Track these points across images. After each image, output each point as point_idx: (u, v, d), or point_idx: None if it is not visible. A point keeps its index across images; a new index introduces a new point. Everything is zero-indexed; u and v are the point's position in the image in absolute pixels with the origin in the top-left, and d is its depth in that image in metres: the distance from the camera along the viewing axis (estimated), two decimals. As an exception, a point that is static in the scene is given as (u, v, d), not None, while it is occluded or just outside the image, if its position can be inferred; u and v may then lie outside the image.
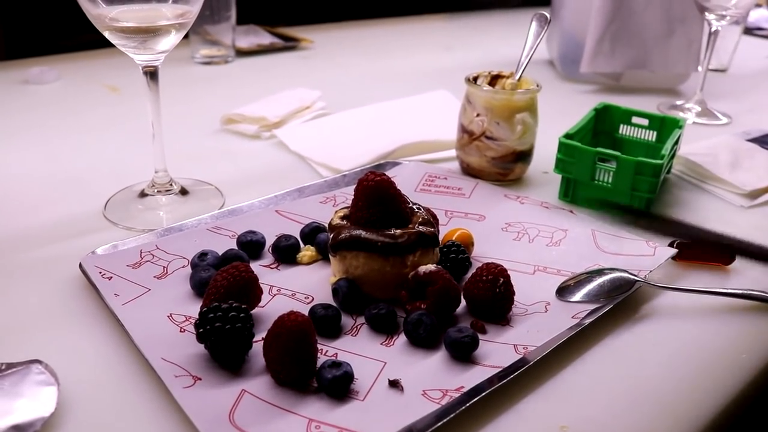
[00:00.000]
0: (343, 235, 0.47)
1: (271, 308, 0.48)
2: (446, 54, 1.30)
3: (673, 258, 0.54)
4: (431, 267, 0.46)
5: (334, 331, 0.45)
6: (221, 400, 0.38)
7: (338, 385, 0.39)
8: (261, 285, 0.47)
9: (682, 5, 0.98)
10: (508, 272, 0.47)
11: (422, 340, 0.44)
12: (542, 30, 0.68)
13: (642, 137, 0.74)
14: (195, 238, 0.55)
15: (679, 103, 0.99)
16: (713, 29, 0.92)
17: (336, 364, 0.40)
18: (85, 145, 0.79)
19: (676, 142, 0.69)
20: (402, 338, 0.45)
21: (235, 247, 0.54)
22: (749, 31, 1.50)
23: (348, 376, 0.40)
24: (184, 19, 0.55)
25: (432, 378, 0.41)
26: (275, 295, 0.49)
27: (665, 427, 0.39)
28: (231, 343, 0.41)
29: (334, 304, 0.46)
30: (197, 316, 0.42)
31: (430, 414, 0.37)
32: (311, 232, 0.55)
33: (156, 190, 0.64)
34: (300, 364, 0.40)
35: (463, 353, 0.42)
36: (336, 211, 0.51)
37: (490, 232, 0.58)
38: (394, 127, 0.83)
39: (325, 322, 0.45)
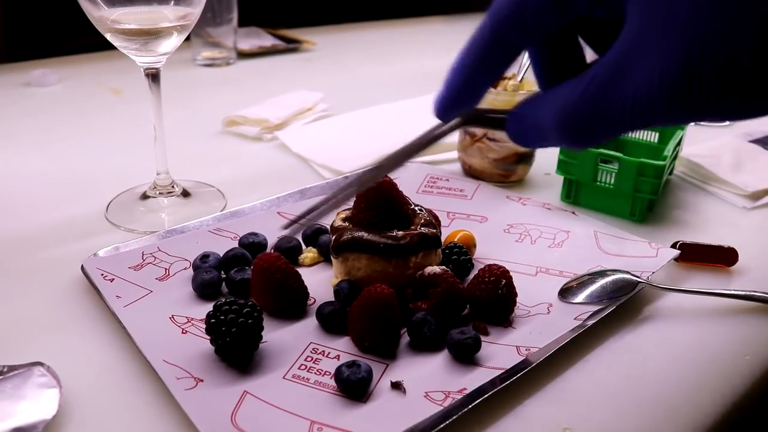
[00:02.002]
0: (345, 236, 0.47)
1: (273, 310, 0.48)
2: (447, 55, 1.30)
3: (676, 259, 0.54)
4: (437, 269, 0.46)
5: (342, 327, 0.45)
6: (223, 402, 0.38)
7: (358, 387, 0.39)
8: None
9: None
10: (511, 274, 0.47)
11: (426, 340, 0.44)
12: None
13: (644, 138, 0.74)
14: (197, 239, 0.55)
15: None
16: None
17: (355, 365, 0.40)
18: (87, 148, 0.79)
19: (678, 144, 0.69)
20: (404, 339, 0.45)
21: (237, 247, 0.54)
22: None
23: (367, 380, 0.40)
24: (186, 21, 0.55)
25: (434, 380, 0.41)
26: (277, 296, 0.49)
27: (668, 429, 0.39)
28: (243, 338, 0.41)
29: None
30: (202, 316, 0.42)
31: (433, 416, 0.37)
32: (313, 234, 0.55)
33: (158, 192, 0.64)
34: (385, 332, 0.43)
35: (466, 355, 0.42)
36: (338, 213, 0.51)
37: (492, 234, 0.58)
38: (395, 129, 0.83)
39: (332, 318, 0.45)
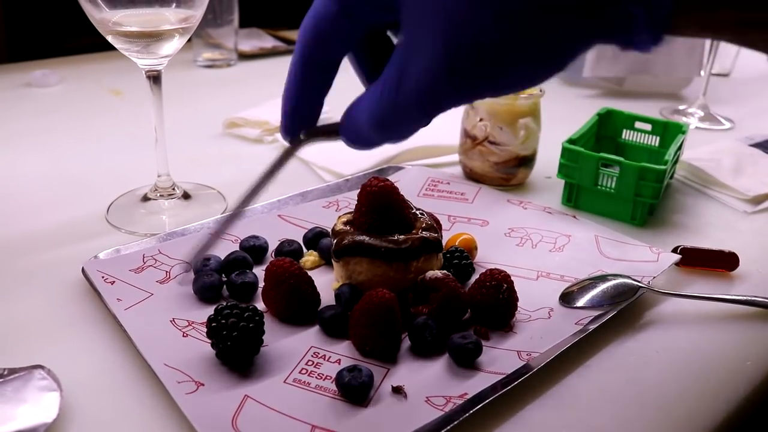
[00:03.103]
0: (346, 240, 0.47)
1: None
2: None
3: (677, 264, 0.54)
4: (438, 273, 0.46)
5: (343, 331, 0.45)
6: (224, 406, 0.38)
7: (359, 392, 0.39)
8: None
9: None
10: (512, 278, 0.47)
11: (427, 345, 0.44)
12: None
13: (645, 142, 0.74)
14: (197, 242, 0.55)
15: (681, 107, 0.99)
16: (716, 34, 0.92)
17: (356, 369, 0.40)
18: (88, 149, 0.79)
19: (679, 148, 0.69)
20: (405, 343, 0.45)
21: (238, 250, 0.54)
22: (751, 35, 1.50)
23: (368, 384, 0.40)
24: (188, 23, 0.55)
25: (435, 384, 0.41)
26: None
27: (670, 435, 0.39)
28: (244, 341, 0.41)
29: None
30: (203, 320, 0.42)
31: (434, 421, 0.37)
32: (314, 237, 0.55)
33: (159, 195, 0.64)
34: (386, 337, 0.43)
35: (467, 359, 0.42)
36: (339, 217, 0.51)
37: (493, 238, 0.58)
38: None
39: (333, 322, 0.45)
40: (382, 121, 0.31)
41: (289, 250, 0.53)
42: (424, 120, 0.31)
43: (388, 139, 0.33)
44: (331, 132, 0.35)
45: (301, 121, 0.36)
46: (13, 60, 1.24)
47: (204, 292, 0.48)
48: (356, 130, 0.33)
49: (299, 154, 0.76)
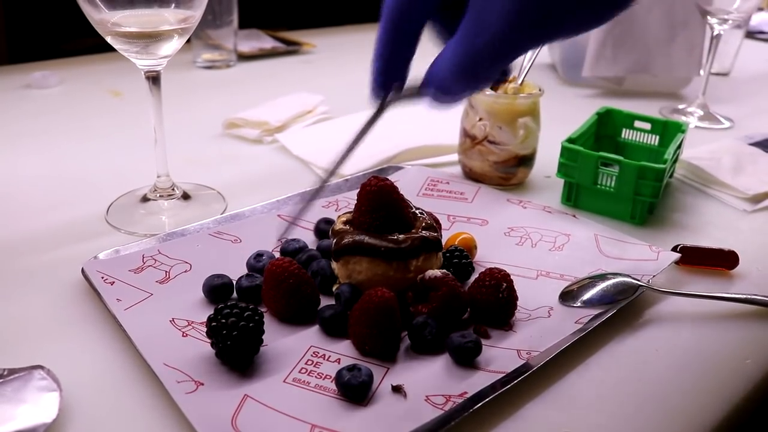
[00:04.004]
0: (346, 240, 0.47)
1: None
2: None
3: (677, 262, 0.54)
4: (437, 272, 0.46)
5: (343, 331, 0.45)
6: (223, 406, 0.38)
7: (358, 391, 0.39)
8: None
9: (684, 9, 0.98)
10: (511, 277, 0.47)
11: (427, 343, 0.44)
12: (544, 34, 0.68)
13: (644, 141, 0.74)
14: (197, 242, 0.55)
15: (681, 107, 0.99)
16: (715, 33, 0.92)
17: (356, 368, 0.40)
18: (87, 150, 0.79)
19: (679, 146, 0.69)
20: (405, 343, 0.45)
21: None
22: (751, 34, 1.51)
23: (367, 384, 0.40)
24: (187, 24, 0.55)
25: (435, 383, 0.41)
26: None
27: (669, 433, 0.39)
28: (244, 341, 0.41)
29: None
30: (202, 320, 0.42)
31: (434, 420, 0.37)
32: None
33: (158, 195, 0.64)
34: (386, 336, 0.43)
35: (467, 358, 0.42)
36: (339, 216, 0.51)
37: (492, 237, 0.58)
38: (396, 132, 0.83)
39: (333, 321, 0.45)
40: (465, 69, 0.33)
41: (294, 248, 0.54)
42: (504, 63, 0.33)
43: (472, 87, 0.35)
44: (415, 91, 0.37)
45: (388, 82, 0.39)
46: (13, 61, 1.24)
47: (211, 294, 0.48)
48: (441, 84, 0.35)
49: (297, 153, 0.77)
